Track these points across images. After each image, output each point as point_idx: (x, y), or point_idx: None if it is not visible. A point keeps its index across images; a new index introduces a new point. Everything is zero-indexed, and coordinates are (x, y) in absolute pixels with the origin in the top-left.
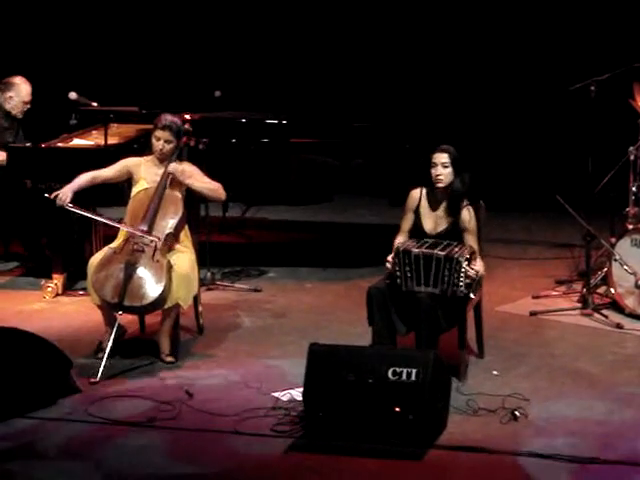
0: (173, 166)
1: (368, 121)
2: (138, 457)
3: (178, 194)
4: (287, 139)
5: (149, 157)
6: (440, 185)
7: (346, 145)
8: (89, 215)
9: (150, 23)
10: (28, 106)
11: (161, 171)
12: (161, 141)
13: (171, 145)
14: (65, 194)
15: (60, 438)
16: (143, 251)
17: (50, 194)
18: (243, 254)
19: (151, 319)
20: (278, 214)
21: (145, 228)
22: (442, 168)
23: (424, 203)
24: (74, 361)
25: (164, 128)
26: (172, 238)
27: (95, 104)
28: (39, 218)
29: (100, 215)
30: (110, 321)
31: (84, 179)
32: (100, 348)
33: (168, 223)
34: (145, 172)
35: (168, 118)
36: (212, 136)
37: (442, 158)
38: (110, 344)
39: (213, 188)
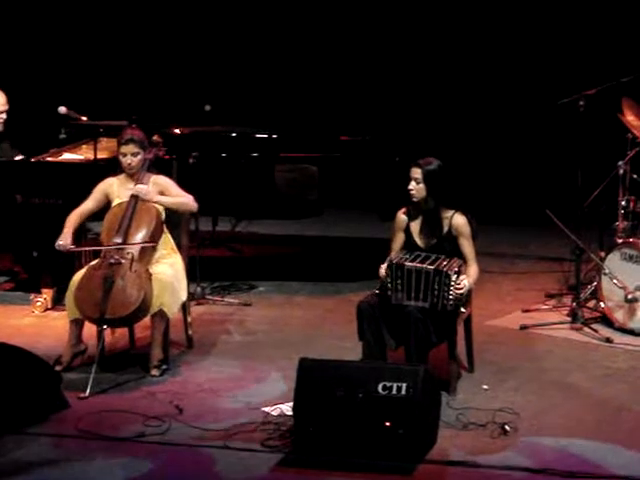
0: (138, 188)
1: (358, 135)
2: (127, 473)
3: (151, 203)
4: (277, 153)
5: (122, 175)
6: (413, 200)
7: (336, 159)
8: (92, 248)
9: (140, 38)
10: (3, 116)
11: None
12: (128, 156)
13: (138, 157)
14: (65, 239)
15: (48, 453)
16: (120, 264)
17: (57, 246)
18: (233, 268)
19: (140, 333)
20: (268, 228)
21: (120, 240)
22: (415, 183)
23: (412, 220)
24: (63, 376)
25: (127, 142)
26: (150, 247)
27: (85, 118)
28: (29, 232)
29: (100, 245)
30: (97, 335)
31: (73, 220)
32: (58, 362)
33: (143, 232)
34: (119, 190)
35: (129, 132)
36: (202, 150)
37: (415, 173)
38: (97, 358)
39: (182, 202)
